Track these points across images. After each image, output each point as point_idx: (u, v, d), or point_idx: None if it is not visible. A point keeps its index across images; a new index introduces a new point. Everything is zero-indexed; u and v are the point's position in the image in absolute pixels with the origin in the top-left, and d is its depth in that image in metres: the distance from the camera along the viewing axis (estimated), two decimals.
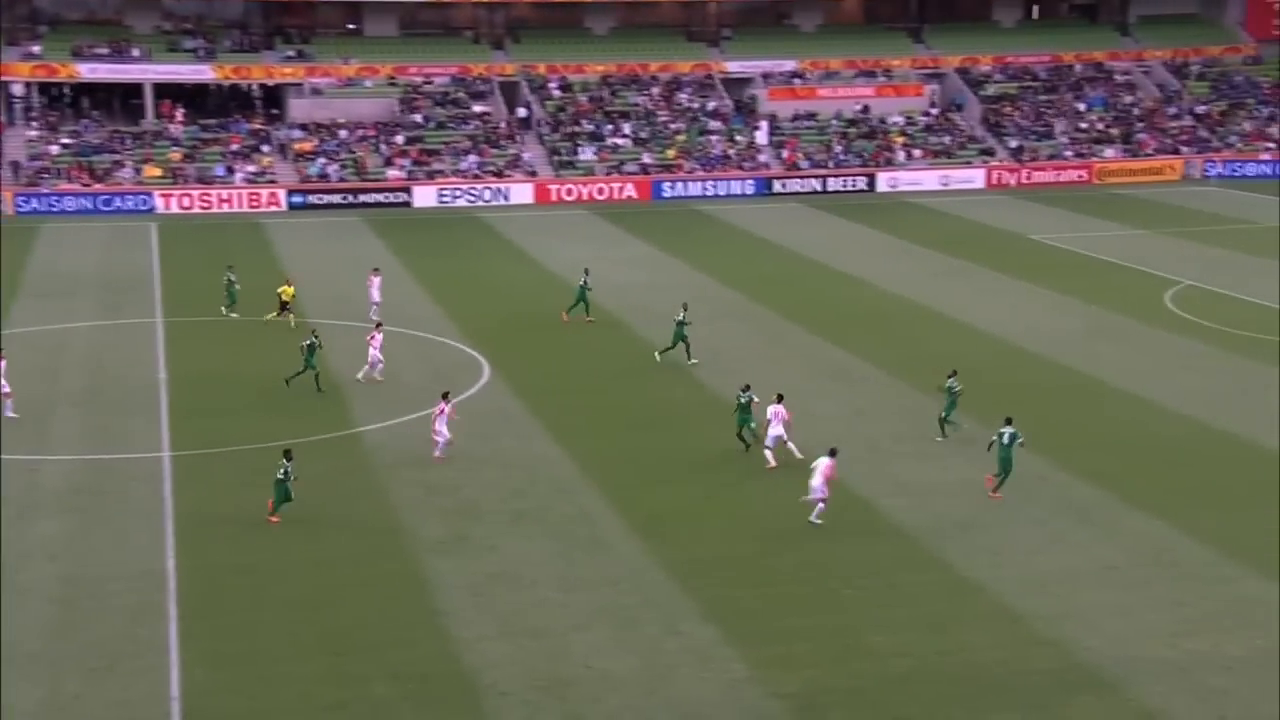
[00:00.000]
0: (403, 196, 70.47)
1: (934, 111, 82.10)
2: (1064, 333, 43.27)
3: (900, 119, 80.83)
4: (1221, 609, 23.72)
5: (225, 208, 68.31)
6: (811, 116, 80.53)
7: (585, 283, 44.22)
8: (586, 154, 75.45)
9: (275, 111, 78.73)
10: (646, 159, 75.35)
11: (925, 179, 75.95)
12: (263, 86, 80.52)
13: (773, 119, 79.20)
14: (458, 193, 71.44)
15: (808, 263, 54.30)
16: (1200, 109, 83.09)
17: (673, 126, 78.18)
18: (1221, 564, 25.55)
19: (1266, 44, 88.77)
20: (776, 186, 74.26)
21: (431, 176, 72.30)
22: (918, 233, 62.20)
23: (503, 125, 76.88)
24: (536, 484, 30.01)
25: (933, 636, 22.92)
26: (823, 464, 27.32)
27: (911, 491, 29.27)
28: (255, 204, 68.57)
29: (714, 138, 77.49)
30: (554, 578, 25.24)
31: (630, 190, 73.29)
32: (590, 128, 77.42)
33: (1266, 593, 24.29)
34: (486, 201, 71.37)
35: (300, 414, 34.22)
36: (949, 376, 32.99)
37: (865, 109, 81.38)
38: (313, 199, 69.27)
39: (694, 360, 38.81)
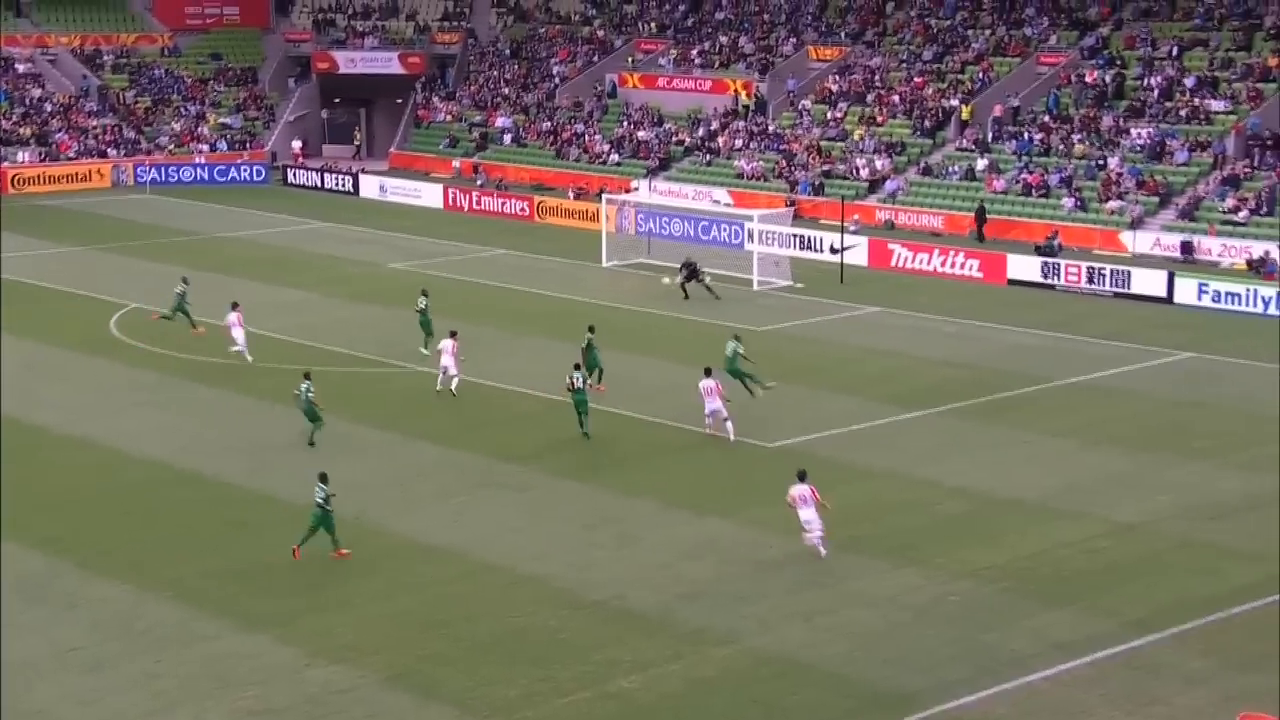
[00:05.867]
0: None
1: None
2: None
3: None
4: (199, 672, 23.88)
5: None
6: None
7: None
8: None
9: None
10: None
11: None
12: None
13: None
14: None
15: None
16: (125, 104, 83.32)
17: None
18: (195, 622, 25.77)
19: (183, 34, 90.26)
20: None
21: None
22: None
23: None
24: None
25: None
26: (802, 491, 27.89)
27: None
28: None
29: None
30: None
31: None
32: None
33: (244, 646, 24.86)
34: None
35: None
36: (733, 338, 37.40)
37: None
38: None
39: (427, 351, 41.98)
